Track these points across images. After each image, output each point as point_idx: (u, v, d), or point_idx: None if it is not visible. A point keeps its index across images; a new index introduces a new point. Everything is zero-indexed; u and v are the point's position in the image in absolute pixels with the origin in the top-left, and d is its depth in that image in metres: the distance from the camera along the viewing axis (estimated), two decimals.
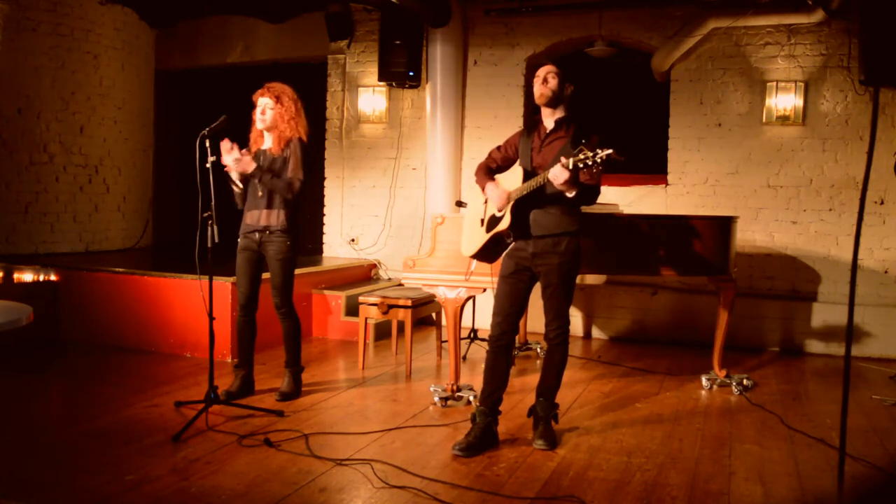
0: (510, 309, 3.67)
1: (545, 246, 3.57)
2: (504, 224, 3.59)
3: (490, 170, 3.84)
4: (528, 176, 3.57)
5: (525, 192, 3.51)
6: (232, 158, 4.11)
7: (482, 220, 3.80)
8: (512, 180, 3.64)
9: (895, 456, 3.62)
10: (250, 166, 4.15)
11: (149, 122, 8.11)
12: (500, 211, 3.64)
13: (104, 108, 7.23)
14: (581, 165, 3.21)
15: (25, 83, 6.63)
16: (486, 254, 3.84)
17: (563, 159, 3.28)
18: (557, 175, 3.30)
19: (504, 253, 3.75)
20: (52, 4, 6.72)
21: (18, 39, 6.55)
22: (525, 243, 3.62)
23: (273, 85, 4.33)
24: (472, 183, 3.93)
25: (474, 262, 4.05)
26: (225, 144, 4.08)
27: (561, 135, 3.62)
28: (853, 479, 3.29)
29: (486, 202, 3.78)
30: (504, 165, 3.87)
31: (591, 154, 3.18)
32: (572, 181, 3.32)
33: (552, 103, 3.64)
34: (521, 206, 3.57)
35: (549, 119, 3.68)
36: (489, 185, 3.70)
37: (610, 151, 3.16)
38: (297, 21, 7.84)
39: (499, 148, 3.90)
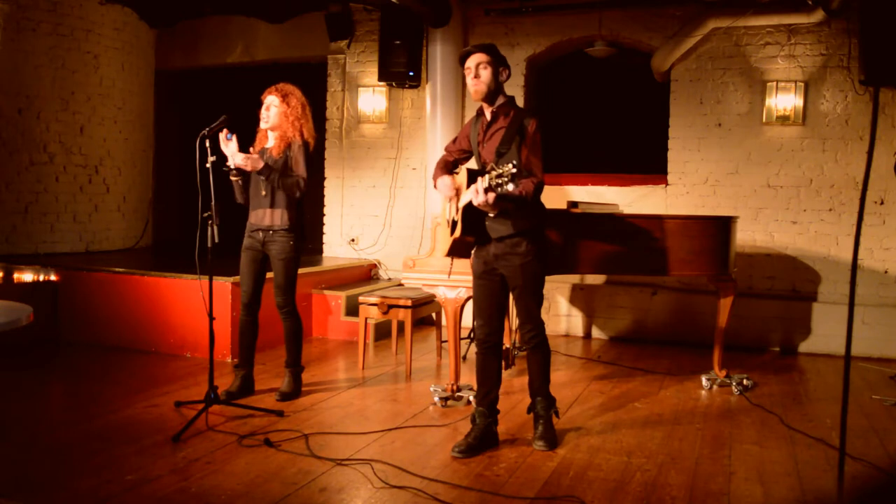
0: (490, 309, 3.63)
1: (504, 248, 3.49)
2: (458, 231, 3.49)
3: (448, 164, 3.76)
4: (471, 174, 3.42)
5: (465, 202, 3.39)
6: (241, 158, 4.11)
7: (448, 221, 3.72)
8: (462, 178, 3.52)
9: (895, 456, 3.62)
10: (259, 163, 4.16)
11: (149, 122, 8.11)
12: (456, 211, 3.54)
13: (104, 108, 7.23)
14: (493, 185, 3.07)
15: (25, 83, 6.63)
16: (457, 253, 3.73)
17: (477, 181, 3.16)
18: (473, 196, 3.20)
19: (472, 253, 3.68)
20: (52, 4, 6.72)
21: (18, 39, 6.55)
22: (487, 244, 3.54)
23: (282, 85, 4.33)
24: None
25: (454, 260, 4.00)
26: (223, 135, 4.07)
27: (500, 125, 3.49)
28: (853, 479, 3.29)
29: (449, 200, 3.69)
30: (462, 157, 3.79)
31: (497, 172, 3.04)
32: (492, 203, 3.19)
33: (489, 98, 3.49)
34: (471, 212, 3.41)
35: (488, 109, 3.56)
36: (440, 180, 3.58)
37: (514, 171, 3.00)
38: (297, 21, 7.84)
39: (454, 140, 3.80)
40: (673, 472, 3.34)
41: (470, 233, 3.48)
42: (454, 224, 3.59)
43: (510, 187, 3.06)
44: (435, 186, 3.65)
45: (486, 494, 3.06)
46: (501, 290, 3.64)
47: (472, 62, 3.45)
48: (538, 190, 3.42)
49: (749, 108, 6.43)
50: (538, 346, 3.65)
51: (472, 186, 3.21)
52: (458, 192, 3.52)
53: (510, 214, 3.41)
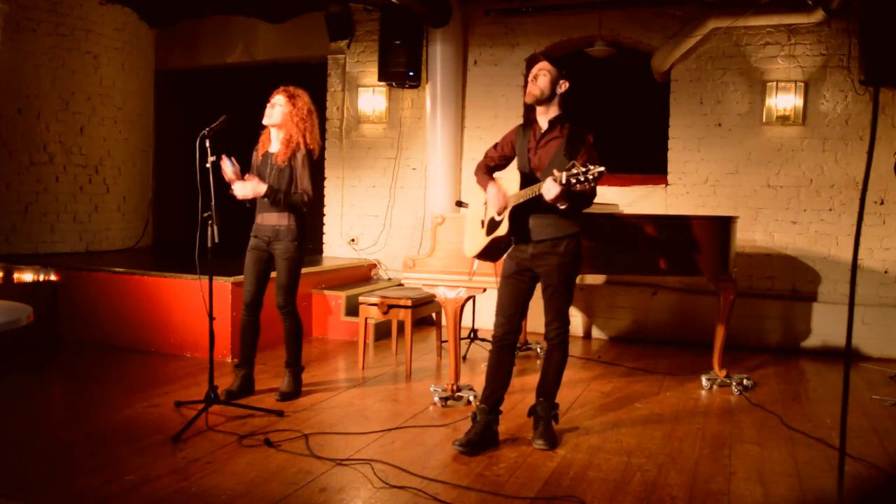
0: (513, 309, 3.67)
1: (545, 248, 3.57)
2: (503, 230, 3.58)
3: (489, 168, 3.83)
4: (525, 178, 3.55)
5: (521, 201, 3.49)
6: (251, 189, 4.15)
7: (482, 222, 3.79)
8: (510, 181, 3.62)
9: (895, 456, 3.62)
10: (261, 188, 4.17)
11: (149, 122, 8.11)
12: (499, 214, 3.63)
13: (104, 108, 7.23)
14: (573, 181, 3.19)
15: (25, 83, 6.63)
16: (489, 254, 3.83)
17: (555, 172, 3.25)
18: (549, 189, 3.28)
19: (505, 254, 3.75)
20: (52, 4, 6.72)
21: (18, 39, 6.55)
22: (525, 245, 3.62)
23: (293, 87, 4.34)
24: (473, 183, 3.91)
25: (477, 261, 4.05)
26: (230, 168, 4.11)
27: (556, 135, 3.60)
28: (853, 479, 3.29)
29: (486, 203, 3.77)
30: (502, 164, 3.87)
31: (582, 171, 3.16)
32: (564, 195, 3.31)
33: (542, 102, 3.62)
34: (519, 212, 3.55)
35: (542, 118, 3.66)
36: (490, 186, 3.67)
37: (602, 169, 3.15)
38: (297, 21, 7.84)
39: (495, 146, 3.87)
40: (673, 472, 3.34)
41: (514, 233, 3.58)
42: (493, 224, 3.66)
43: (593, 184, 3.22)
44: (485, 191, 3.71)
45: (486, 494, 3.06)
46: (528, 292, 3.70)
47: (535, 69, 3.64)
48: (592, 199, 3.55)
49: (749, 108, 6.43)
50: (560, 345, 3.70)
51: (549, 179, 3.27)
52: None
53: (563, 216, 3.50)
